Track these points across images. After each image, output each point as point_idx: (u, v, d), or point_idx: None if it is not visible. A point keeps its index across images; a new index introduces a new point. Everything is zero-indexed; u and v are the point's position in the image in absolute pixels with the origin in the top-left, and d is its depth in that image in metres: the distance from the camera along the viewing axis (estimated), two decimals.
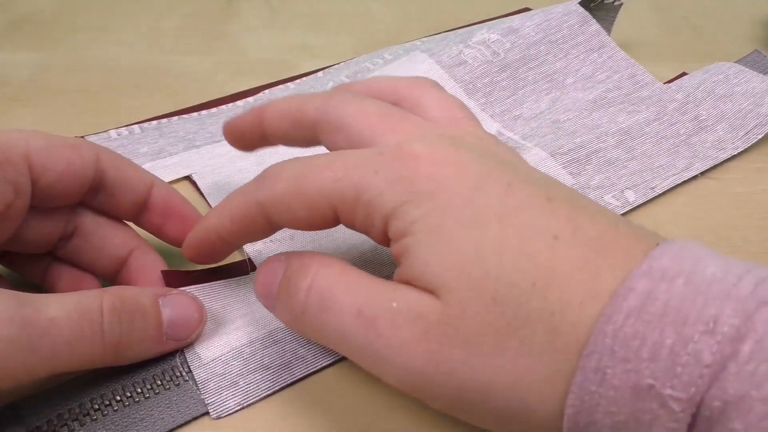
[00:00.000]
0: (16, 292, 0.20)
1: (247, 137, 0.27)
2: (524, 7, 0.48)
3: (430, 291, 0.19)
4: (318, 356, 0.24)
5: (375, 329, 0.19)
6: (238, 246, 0.25)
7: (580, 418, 0.17)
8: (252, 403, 0.23)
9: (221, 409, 0.22)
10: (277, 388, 0.23)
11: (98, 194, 0.25)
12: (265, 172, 0.22)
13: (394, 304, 0.19)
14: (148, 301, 0.23)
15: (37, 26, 0.46)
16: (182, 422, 0.22)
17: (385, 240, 0.21)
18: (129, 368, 0.23)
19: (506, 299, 0.18)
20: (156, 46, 0.44)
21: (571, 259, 0.18)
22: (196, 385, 0.23)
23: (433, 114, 0.23)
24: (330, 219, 0.21)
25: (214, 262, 0.25)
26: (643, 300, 0.16)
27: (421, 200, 0.19)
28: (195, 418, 0.22)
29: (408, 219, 0.19)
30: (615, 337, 0.16)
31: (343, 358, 0.24)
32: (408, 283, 0.20)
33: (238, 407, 0.23)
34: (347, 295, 0.20)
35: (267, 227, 0.22)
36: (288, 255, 0.22)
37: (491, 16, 0.46)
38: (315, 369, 0.24)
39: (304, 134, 0.25)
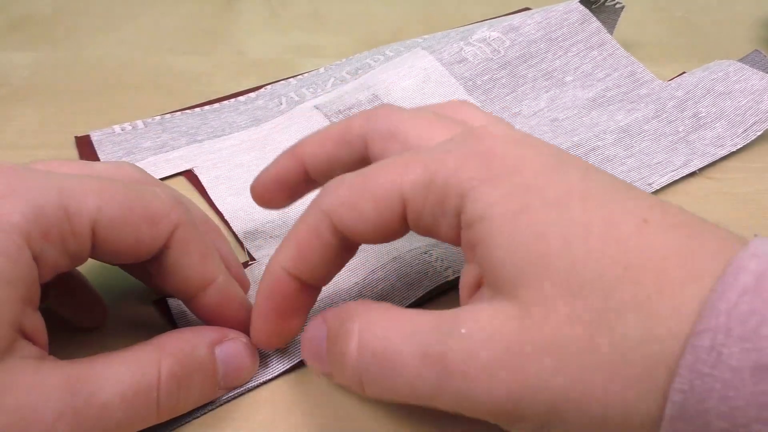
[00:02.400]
0: (68, 370, 0.19)
1: (284, 181, 0.25)
2: (524, 7, 0.48)
3: (506, 290, 0.17)
4: None
5: (447, 367, 0.17)
6: (314, 292, 0.22)
7: (688, 405, 0.15)
8: (251, 389, 0.23)
9: (222, 397, 0.23)
10: (276, 374, 0.23)
11: (152, 265, 0.22)
12: (324, 186, 0.21)
13: (463, 330, 0.17)
14: (205, 353, 0.21)
15: (37, 26, 0.46)
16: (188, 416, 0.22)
17: (456, 231, 0.19)
18: None
19: (594, 289, 0.16)
20: (156, 46, 0.44)
21: (664, 243, 0.17)
22: None
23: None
24: (398, 216, 0.20)
25: (289, 336, 0.23)
26: (757, 278, 0.15)
27: (501, 178, 0.18)
28: (198, 410, 0.22)
29: (487, 200, 0.18)
30: (729, 315, 0.15)
31: None
32: (482, 275, 0.18)
33: (236, 395, 0.23)
34: (404, 341, 0.18)
35: (337, 245, 0.21)
36: (324, 314, 0.21)
37: (491, 16, 0.46)
38: None
39: (351, 152, 0.23)
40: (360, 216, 0.20)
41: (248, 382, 0.23)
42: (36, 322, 0.19)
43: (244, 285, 0.25)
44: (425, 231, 0.20)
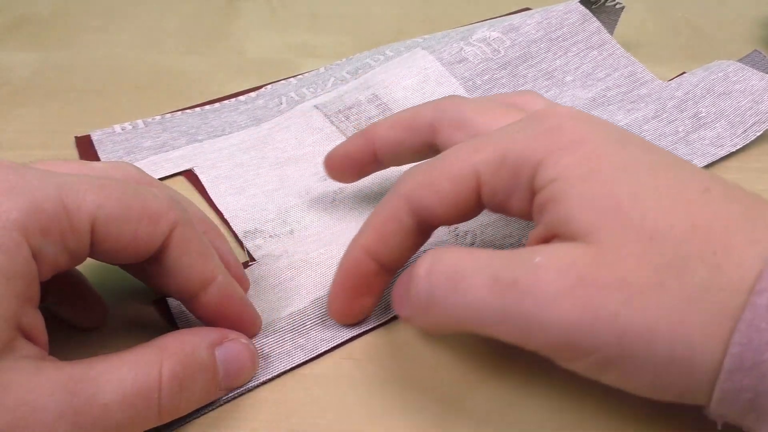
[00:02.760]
0: (69, 371, 0.18)
1: (355, 158, 0.27)
2: (524, 7, 0.48)
3: (579, 238, 0.18)
4: (318, 343, 0.24)
5: (518, 290, 0.18)
6: (391, 273, 0.24)
7: (746, 356, 0.16)
8: (251, 389, 0.23)
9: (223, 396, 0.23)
10: (276, 373, 0.23)
11: (153, 264, 0.21)
12: (402, 175, 0.23)
13: (537, 259, 0.18)
14: (206, 354, 0.21)
15: (37, 26, 0.46)
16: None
17: (527, 203, 0.20)
18: None
19: (665, 238, 0.17)
20: (156, 46, 0.44)
21: (727, 209, 0.18)
22: None
23: None
24: (474, 192, 0.21)
25: (361, 313, 0.24)
26: None
27: (571, 147, 0.19)
28: (199, 410, 0.22)
29: (560, 164, 0.19)
30: None
31: (340, 345, 0.24)
32: (552, 232, 0.19)
33: (238, 394, 0.23)
34: (476, 267, 0.19)
35: (414, 228, 0.22)
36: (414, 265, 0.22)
37: (491, 17, 0.46)
38: (314, 356, 0.24)
39: (419, 138, 0.25)
40: (438, 195, 0.21)
41: (249, 382, 0.23)
42: (36, 321, 0.19)
43: (244, 285, 0.26)
44: (498, 206, 0.22)
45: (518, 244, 0.28)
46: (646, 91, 0.37)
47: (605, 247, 0.18)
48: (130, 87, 0.40)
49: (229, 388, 0.22)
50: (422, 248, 0.25)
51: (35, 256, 0.18)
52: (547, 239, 0.20)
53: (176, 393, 0.20)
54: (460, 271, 0.19)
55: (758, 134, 0.34)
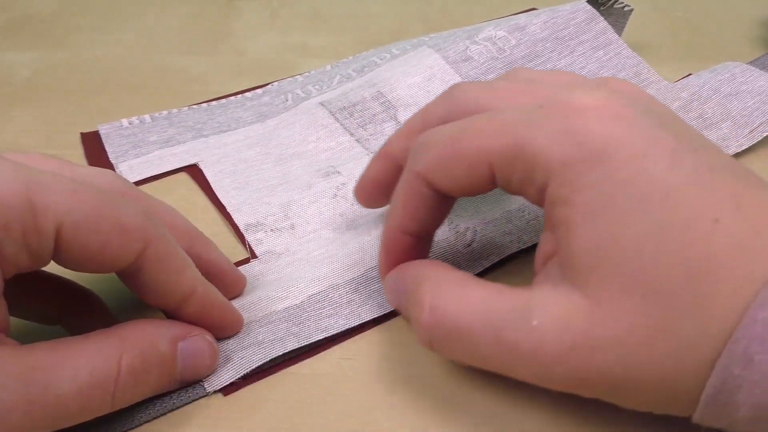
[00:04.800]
0: (26, 358, 0.18)
1: (383, 181, 0.26)
2: (531, 7, 0.48)
3: (577, 281, 0.19)
4: (312, 332, 0.24)
5: (518, 353, 0.19)
6: (428, 239, 0.24)
7: (719, 397, 0.17)
8: (245, 376, 0.23)
9: (216, 382, 0.23)
10: (268, 359, 0.23)
11: (130, 278, 0.21)
12: (415, 146, 0.23)
13: (535, 323, 0.19)
14: (167, 348, 0.21)
15: (37, 26, 0.46)
16: (181, 404, 0.22)
17: (541, 197, 0.20)
18: None
19: (660, 291, 0.18)
20: (156, 46, 0.44)
21: (729, 244, 0.17)
22: None
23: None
24: (488, 178, 0.21)
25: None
26: None
27: (589, 163, 0.18)
28: (194, 401, 0.22)
29: (571, 186, 0.19)
30: (766, 325, 0.16)
31: (338, 342, 0.25)
32: (558, 255, 0.20)
33: (230, 381, 0.23)
34: (475, 320, 0.20)
35: (437, 198, 0.22)
36: (403, 267, 0.23)
37: (491, 17, 0.46)
38: (307, 343, 0.24)
39: None
40: (452, 178, 0.21)
41: (240, 370, 0.23)
42: None
43: (239, 283, 0.26)
44: (514, 192, 0.21)
45: (518, 241, 0.28)
46: (652, 92, 0.37)
47: (601, 303, 0.18)
48: (130, 87, 0.40)
49: (185, 381, 0.22)
50: None
51: None
52: (554, 253, 0.20)
53: (131, 386, 0.20)
54: (461, 323, 0.20)
55: (765, 135, 0.34)
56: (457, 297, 0.21)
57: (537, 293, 0.20)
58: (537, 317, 0.19)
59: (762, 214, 0.18)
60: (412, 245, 0.24)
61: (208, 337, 0.23)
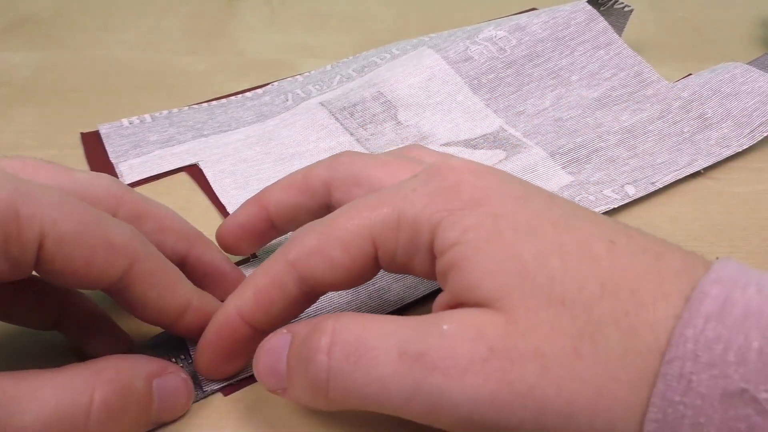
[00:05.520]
0: (2, 383, 0.18)
1: (249, 229, 0.25)
2: (531, 7, 0.48)
3: (486, 305, 0.17)
4: None
5: (426, 364, 0.17)
6: (266, 333, 0.21)
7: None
8: (243, 379, 0.23)
9: (215, 383, 0.23)
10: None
11: (119, 296, 0.21)
12: (291, 238, 0.21)
13: (445, 327, 0.17)
14: (143, 385, 0.20)
15: (37, 26, 0.46)
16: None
17: (430, 266, 0.19)
18: None
19: (575, 302, 0.17)
20: (156, 46, 0.44)
21: (633, 264, 0.17)
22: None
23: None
24: (370, 257, 0.20)
25: (232, 373, 0.23)
26: (720, 304, 0.16)
27: (471, 208, 0.18)
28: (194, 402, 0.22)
29: (458, 228, 0.18)
30: (696, 342, 0.15)
31: None
32: (457, 300, 0.18)
33: (230, 382, 0.23)
34: (381, 339, 0.18)
35: (298, 296, 0.20)
36: (291, 326, 0.20)
37: (491, 17, 0.46)
38: None
39: (314, 199, 0.24)
40: (330, 263, 0.20)
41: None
42: None
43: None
44: (399, 269, 0.20)
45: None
46: (652, 92, 0.37)
47: (516, 315, 0.17)
48: (130, 87, 0.40)
49: (161, 422, 0.21)
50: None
51: None
52: (453, 307, 0.18)
53: (104, 422, 0.19)
54: (363, 345, 0.18)
55: (765, 135, 0.34)
56: (362, 321, 0.18)
57: (447, 312, 0.18)
58: (447, 323, 0.17)
59: (654, 248, 0.18)
60: (248, 338, 0.21)
61: (183, 374, 0.22)
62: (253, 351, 0.21)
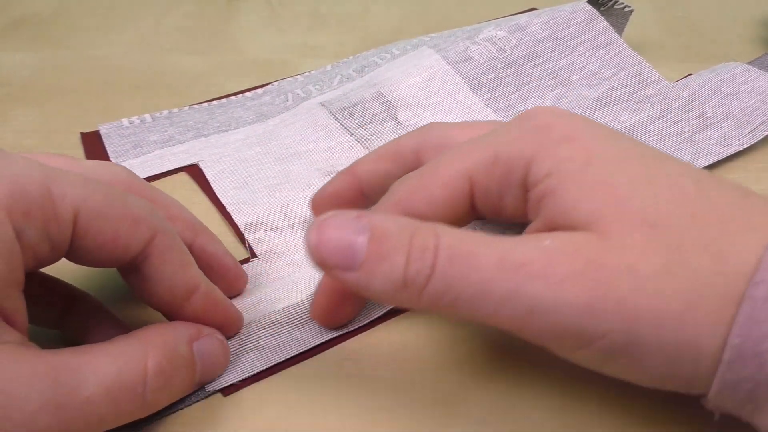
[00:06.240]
0: (51, 360, 0.18)
1: (342, 197, 0.26)
2: (531, 7, 0.48)
3: (581, 228, 0.18)
4: (313, 336, 0.24)
5: (526, 272, 0.18)
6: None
7: (745, 348, 0.17)
8: (244, 380, 0.23)
9: (216, 383, 0.23)
10: (270, 365, 0.24)
11: (134, 274, 0.21)
12: (393, 185, 0.22)
13: (547, 242, 0.18)
14: (186, 350, 0.21)
15: (37, 26, 0.46)
16: (182, 405, 0.22)
17: (521, 202, 0.21)
18: None
19: (667, 226, 0.18)
20: (156, 46, 0.44)
21: (721, 199, 0.18)
22: None
23: None
24: (467, 196, 0.21)
25: (344, 320, 0.24)
26: None
27: (563, 144, 0.20)
28: (197, 402, 0.22)
29: (553, 160, 0.19)
30: None
31: (338, 343, 0.24)
32: (551, 225, 0.19)
33: (230, 383, 0.23)
34: (483, 247, 0.18)
35: None
36: (364, 213, 0.20)
37: (491, 18, 0.46)
38: (308, 348, 0.24)
39: (405, 167, 0.25)
40: (429, 201, 0.21)
41: (243, 373, 0.23)
42: (18, 305, 0.18)
43: (242, 282, 0.26)
44: (492, 209, 0.22)
45: None
46: (653, 92, 0.37)
47: (610, 235, 0.18)
48: (130, 87, 0.40)
49: (204, 383, 0.22)
50: None
51: (18, 238, 0.18)
52: (550, 226, 0.20)
53: (161, 387, 0.20)
54: (466, 248, 0.18)
55: (765, 134, 0.34)
56: (462, 231, 0.19)
57: (544, 234, 0.19)
58: (547, 240, 0.18)
59: (738, 189, 0.19)
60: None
61: (218, 335, 0.23)
62: (363, 300, 0.24)
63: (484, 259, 0.18)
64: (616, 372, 0.19)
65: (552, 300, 0.18)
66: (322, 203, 0.27)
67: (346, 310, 0.24)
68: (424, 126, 0.25)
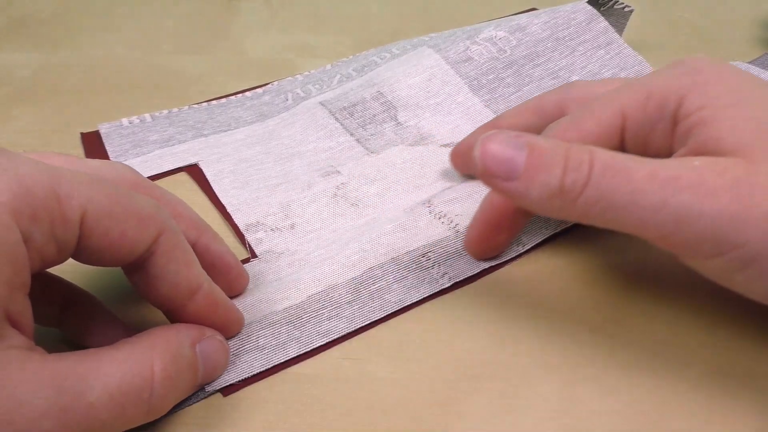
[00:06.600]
0: (56, 365, 0.18)
1: None
2: (531, 7, 0.48)
3: (728, 154, 0.20)
4: (313, 337, 0.24)
5: (676, 184, 0.19)
6: (526, 213, 0.25)
7: None
8: (244, 380, 0.23)
9: (216, 383, 0.23)
10: (270, 366, 0.24)
11: (139, 272, 0.21)
12: (549, 126, 0.25)
13: (696, 162, 0.20)
14: (189, 353, 0.21)
15: (37, 26, 0.46)
16: (182, 405, 0.22)
17: (669, 135, 0.22)
18: None
19: None
20: (156, 46, 0.44)
21: None
22: None
23: None
24: (618, 130, 0.23)
25: (496, 249, 0.26)
26: None
27: (714, 84, 0.22)
28: (197, 402, 0.22)
29: (705, 96, 0.21)
30: None
31: (338, 343, 0.25)
32: (700, 151, 0.21)
33: (230, 383, 0.23)
34: (635, 163, 0.20)
35: None
36: (531, 137, 0.21)
37: (491, 18, 0.46)
38: (308, 349, 0.24)
39: (547, 120, 0.26)
40: (584, 136, 0.23)
41: (242, 373, 0.23)
42: (24, 309, 0.18)
43: (243, 281, 0.26)
44: (639, 143, 0.23)
45: (519, 243, 0.28)
46: None
47: (756, 160, 0.19)
48: (130, 87, 0.40)
49: (204, 383, 0.23)
50: None
51: (25, 241, 0.18)
52: (697, 152, 0.21)
53: (165, 391, 0.20)
54: (619, 162, 0.20)
55: None
56: (612, 152, 0.21)
57: (693, 157, 0.21)
58: (698, 160, 0.20)
59: None
60: (513, 211, 0.25)
61: (219, 337, 0.23)
62: (516, 228, 0.26)
63: (636, 173, 0.20)
64: (738, 283, 0.20)
65: (698, 210, 0.19)
66: (461, 155, 0.29)
67: (499, 239, 0.26)
68: (565, 83, 0.28)
